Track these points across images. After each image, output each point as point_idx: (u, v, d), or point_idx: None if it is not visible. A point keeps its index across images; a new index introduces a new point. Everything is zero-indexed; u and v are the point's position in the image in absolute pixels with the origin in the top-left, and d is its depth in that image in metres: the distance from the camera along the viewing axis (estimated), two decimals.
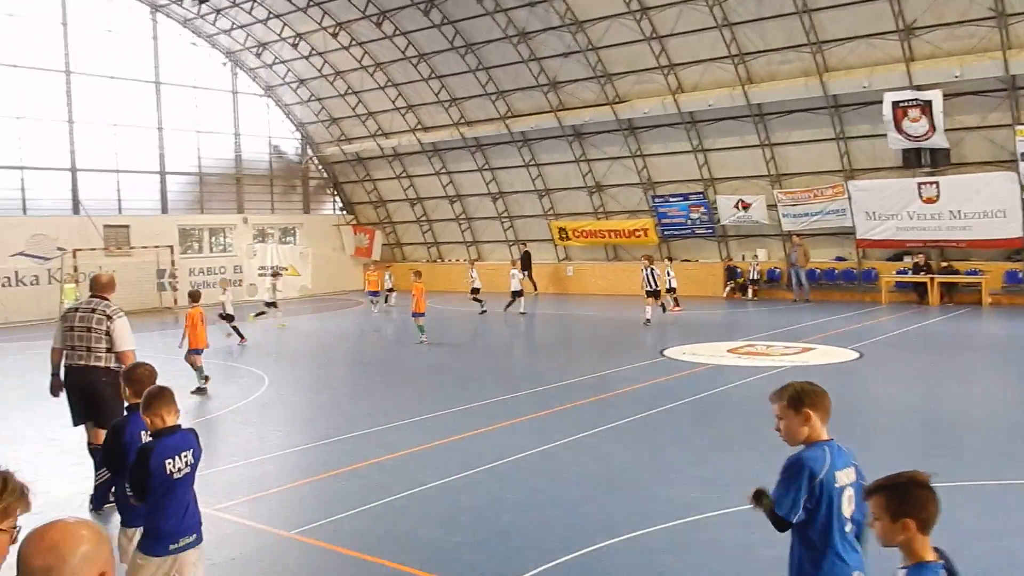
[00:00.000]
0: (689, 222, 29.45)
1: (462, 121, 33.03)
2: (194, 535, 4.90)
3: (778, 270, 28.04)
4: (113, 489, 6.32)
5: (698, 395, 12.60)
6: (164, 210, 33.16)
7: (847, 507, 3.77)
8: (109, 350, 8.09)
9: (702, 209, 28.97)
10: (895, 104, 23.55)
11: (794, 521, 3.73)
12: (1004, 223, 23.29)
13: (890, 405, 12.40)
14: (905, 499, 3.07)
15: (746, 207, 27.79)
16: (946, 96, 22.91)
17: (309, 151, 38.75)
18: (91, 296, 8.40)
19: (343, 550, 6.92)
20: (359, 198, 39.41)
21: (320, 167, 39.41)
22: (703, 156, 28.61)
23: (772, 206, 27.34)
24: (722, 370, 14.70)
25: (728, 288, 28.74)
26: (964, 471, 8.52)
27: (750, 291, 28.20)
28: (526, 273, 32.94)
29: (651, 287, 22.31)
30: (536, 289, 32.39)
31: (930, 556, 3.03)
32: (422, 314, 19.79)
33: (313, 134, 38.17)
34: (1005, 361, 16.44)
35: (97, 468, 7.99)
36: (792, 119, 26.31)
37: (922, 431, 10.78)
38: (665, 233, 30.19)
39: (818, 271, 27.33)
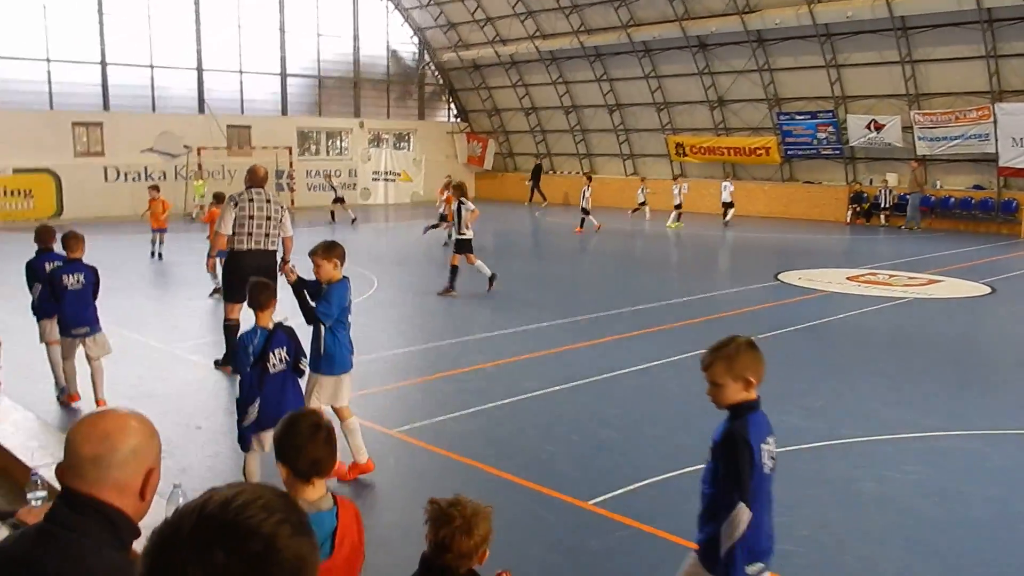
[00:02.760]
0: (815, 142, 28.01)
1: (582, 29, 32.06)
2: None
3: (908, 196, 26.50)
4: None
5: (813, 322, 12.13)
6: (284, 112, 33.81)
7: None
8: (279, 235, 9.22)
9: (830, 128, 27.46)
10: None
11: None
12: None
13: (1022, 345, 11.62)
14: (742, 363, 3.40)
15: (879, 128, 26.18)
16: None
17: (426, 57, 38.56)
18: (250, 187, 9.21)
19: (443, 451, 7.03)
20: (474, 106, 39.15)
21: (436, 73, 39.23)
22: (836, 72, 26.96)
23: (908, 128, 25.65)
24: (839, 298, 14.08)
25: (851, 213, 27.40)
26: None
27: (883, 217, 26.77)
28: (532, 184, 33.24)
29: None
30: (545, 200, 32.19)
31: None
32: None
33: (431, 39, 37.88)
34: None
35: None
36: (937, 33, 24.35)
37: None
38: (788, 152, 28.86)
39: (952, 199, 25.68)
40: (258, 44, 32.60)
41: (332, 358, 6.24)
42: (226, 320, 9.36)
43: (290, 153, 31.83)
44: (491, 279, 14.16)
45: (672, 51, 30.14)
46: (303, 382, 6.07)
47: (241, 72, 32.27)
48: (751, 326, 11.63)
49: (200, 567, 1.23)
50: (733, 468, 3.35)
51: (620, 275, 17.80)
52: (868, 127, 26.40)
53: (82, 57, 28.39)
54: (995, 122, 23.66)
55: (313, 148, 35.12)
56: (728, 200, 26.85)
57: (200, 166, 28.94)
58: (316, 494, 2.90)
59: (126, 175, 28.67)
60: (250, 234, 9.00)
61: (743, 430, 3.38)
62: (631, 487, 6.25)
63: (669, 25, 29.19)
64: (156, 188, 19.35)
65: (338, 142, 36.08)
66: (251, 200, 9.09)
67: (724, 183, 27.41)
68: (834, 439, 7.28)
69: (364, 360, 9.97)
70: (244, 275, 8.70)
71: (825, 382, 9.18)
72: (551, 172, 36.81)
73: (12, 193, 26.59)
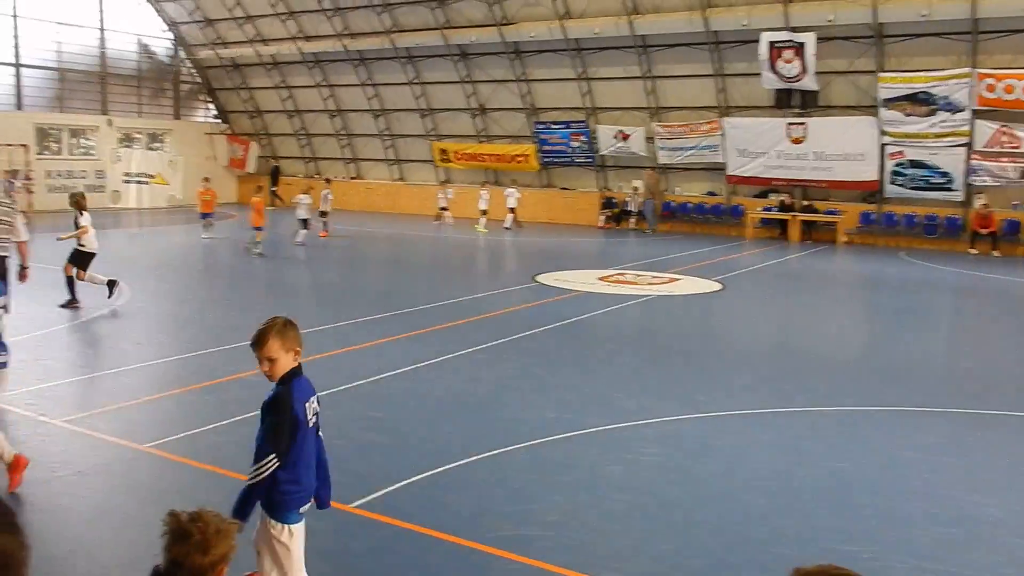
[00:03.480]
0: (570, 150, 29.68)
1: (345, 32, 31.90)
2: None
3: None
4: None
5: (567, 320, 12.92)
6: (19, 106, 30.84)
7: None
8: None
9: (583, 138, 29.22)
10: (772, 44, 24.24)
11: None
12: (862, 166, 24.58)
13: (747, 335, 13.08)
14: (290, 335, 4.04)
15: (626, 138, 28.22)
16: (819, 40, 23.72)
17: (181, 53, 36.64)
18: None
19: (199, 464, 6.85)
20: (234, 106, 37.73)
21: (193, 71, 37.38)
22: (587, 84, 28.73)
23: (650, 139, 27.87)
24: (592, 297, 15.10)
25: (603, 217, 29.30)
26: (809, 397, 9.14)
27: (631, 221, 28.79)
28: (273, 190, 35.02)
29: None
30: (282, 202, 33.06)
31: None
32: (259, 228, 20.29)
33: (186, 35, 36.07)
34: (852, 296, 17.58)
35: None
36: (674, 53, 26.68)
37: (775, 360, 11.44)
38: (546, 160, 30.35)
39: (689, 204, 28.20)
40: None
41: None
42: None
43: (26, 151, 29.07)
44: (110, 285, 13.39)
45: (435, 59, 30.76)
46: None
47: None
48: (510, 326, 12.23)
49: None
50: (272, 425, 3.98)
51: (389, 280, 17.96)
52: (616, 137, 28.38)
53: None
54: (723, 134, 26.28)
55: (55, 147, 32.27)
56: (513, 205, 27.86)
57: None
58: None
59: None
60: None
61: (288, 396, 4.02)
62: (393, 487, 6.43)
63: (431, 33, 29.77)
64: None
65: (83, 140, 33.39)
66: None
67: (508, 190, 28.31)
68: (582, 429, 7.87)
69: (113, 373, 9.44)
70: None
71: (575, 376, 9.86)
72: (317, 177, 36.25)
73: None
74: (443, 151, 32.29)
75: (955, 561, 5.48)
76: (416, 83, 31.86)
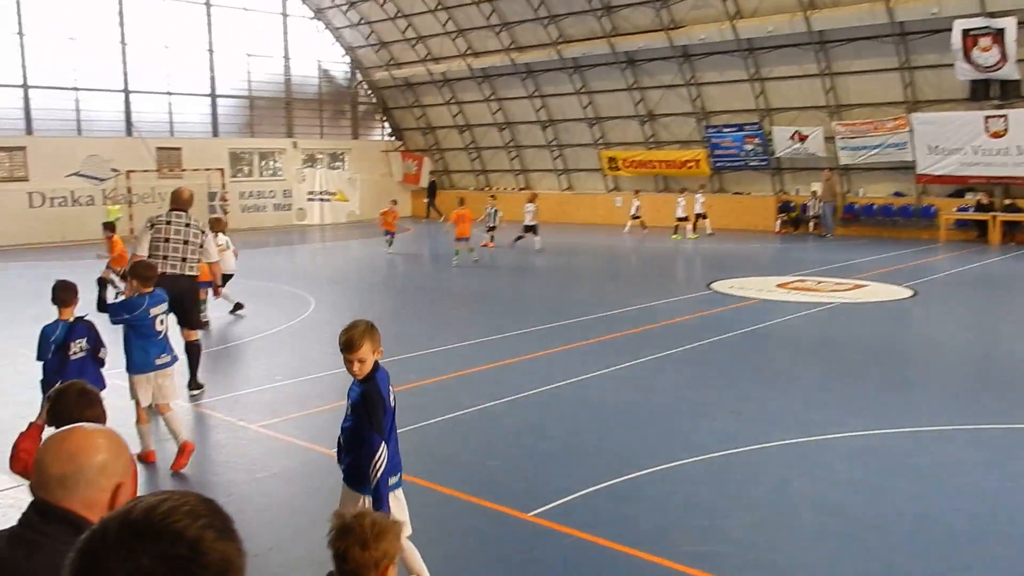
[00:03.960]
0: (743, 153, 28.74)
1: (513, 46, 32.41)
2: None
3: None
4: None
5: (744, 329, 12.43)
6: (215, 133, 33.35)
7: None
8: (198, 260, 9.12)
9: (757, 140, 28.22)
10: (965, 32, 22.45)
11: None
12: None
13: (943, 345, 12.11)
14: (376, 336, 4.47)
15: (803, 139, 27.00)
16: (1021, 24, 21.77)
17: (358, 75, 38.47)
18: (172, 210, 9.14)
19: None
20: (408, 124, 39.17)
21: (369, 92, 39.16)
22: (760, 85, 27.75)
23: (830, 138, 26.53)
24: (770, 305, 14.47)
25: (779, 222, 28.16)
26: (1018, 412, 8.31)
27: (811, 225, 27.46)
28: (429, 201, 36.59)
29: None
30: (441, 216, 33.68)
31: None
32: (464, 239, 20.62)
33: (362, 58, 37.83)
34: None
35: (193, 361, 9.26)
36: (855, 47, 25.27)
37: (974, 372, 10.52)
38: (717, 164, 29.55)
39: (875, 206, 26.60)
40: (186, 65, 32.13)
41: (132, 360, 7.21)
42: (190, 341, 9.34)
43: (222, 175, 31.39)
44: (236, 306, 14.09)
45: (601, 67, 30.67)
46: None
47: (169, 94, 31.75)
48: (684, 336, 11.90)
49: (125, 572, 1.27)
50: (373, 418, 4.41)
51: (556, 289, 17.99)
52: (792, 138, 27.20)
53: (2, 80, 27.60)
54: (911, 131, 24.61)
55: (246, 169, 34.69)
56: (700, 211, 26.92)
57: (130, 189, 28.36)
58: None
59: (51, 200, 27.92)
60: (164, 257, 8.83)
61: (377, 390, 4.47)
62: (571, 496, 6.34)
63: (598, 42, 29.70)
64: (111, 227, 15.95)
65: (271, 162, 35.70)
66: (168, 223, 8.98)
67: (696, 195, 27.14)
68: (766, 442, 7.49)
69: (299, 382, 9.91)
70: None
71: (757, 387, 9.43)
72: (487, 189, 37.00)
73: None
74: (611, 159, 32.12)
75: None
76: (583, 92, 31.90)
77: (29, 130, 28.15)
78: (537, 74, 32.80)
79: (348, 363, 4.44)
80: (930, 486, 6.52)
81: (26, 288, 16.16)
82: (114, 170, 28.81)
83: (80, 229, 26.61)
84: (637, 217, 28.13)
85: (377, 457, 4.38)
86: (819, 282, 16.94)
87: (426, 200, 37.71)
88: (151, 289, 7.29)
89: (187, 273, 9.01)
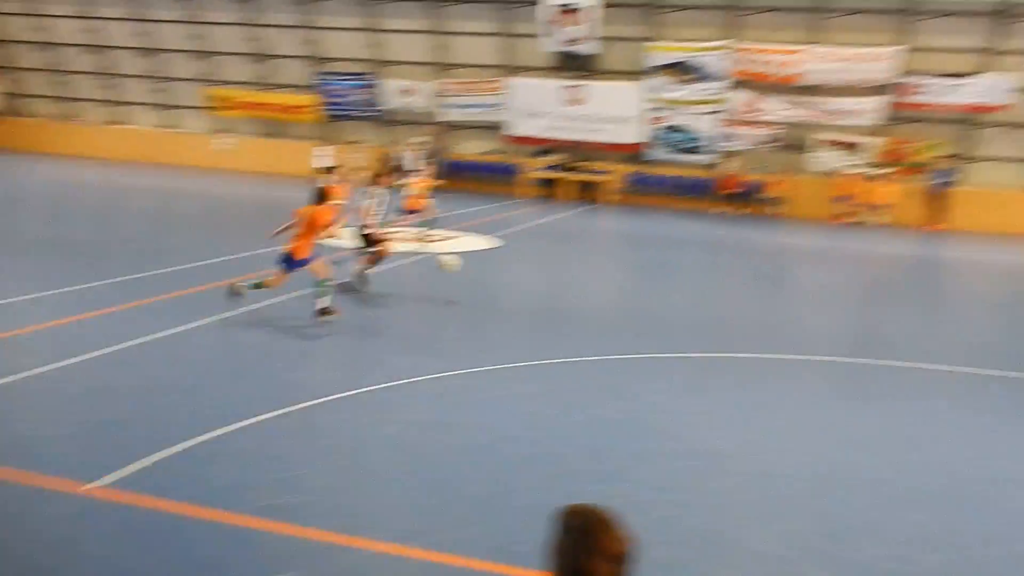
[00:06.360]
0: (355, 103, 28.96)
1: None
2: None
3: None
4: None
5: (341, 281, 12.65)
6: None
7: None
8: None
9: (369, 91, 28.60)
10: (555, 7, 24.76)
11: None
12: (629, 128, 25.83)
13: (518, 291, 13.43)
14: None
15: (413, 93, 27.93)
16: (602, 5, 24.52)
17: None
18: None
19: None
20: None
21: None
22: (375, 36, 28.06)
23: (437, 95, 27.75)
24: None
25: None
26: (572, 347, 9.53)
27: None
28: None
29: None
30: None
31: None
32: None
33: None
34: (615, 252, 18.58)
35: None
36: (464, 8, 26.57)
37: (542, 314, 11.84)
38: (331, 113, 29.46)
39: (471, 163, 28.38)
40: None
41: None
42: None
43: None
44: None
45: None
46: None
47: None
48: (281, 289, 11.80)
49: None
50: None
51: (147, 236, 16.78)
52: (403, 92, 28.00)
53: None
54: (506, 94, 26.66)
55: None
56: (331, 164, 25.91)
57: None
58: None
59: None
60: None
61: None
62: (149, 459, 6.01)
63: None
64: None
65: None
66: None
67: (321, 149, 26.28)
68: (355, 389, 7.75)
69: None
70: None
71: (350, 338, 9.70)
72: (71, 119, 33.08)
73: None
74: (218, 98, 30.44)
75: (691, 490, 6.06)
76: (191, 22, 29.68)
77: None
78: None
79: None
80: (495, 418, 7.27)
81: None
82: None
83: None
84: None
85: None
86: (416, 233, 17.76)
87: None
88: None
89: None
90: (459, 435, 6.88)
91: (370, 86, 28.46)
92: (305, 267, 10.05)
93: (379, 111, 28.82)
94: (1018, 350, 11.03)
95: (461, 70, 27.55)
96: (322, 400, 7.47)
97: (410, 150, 26.04)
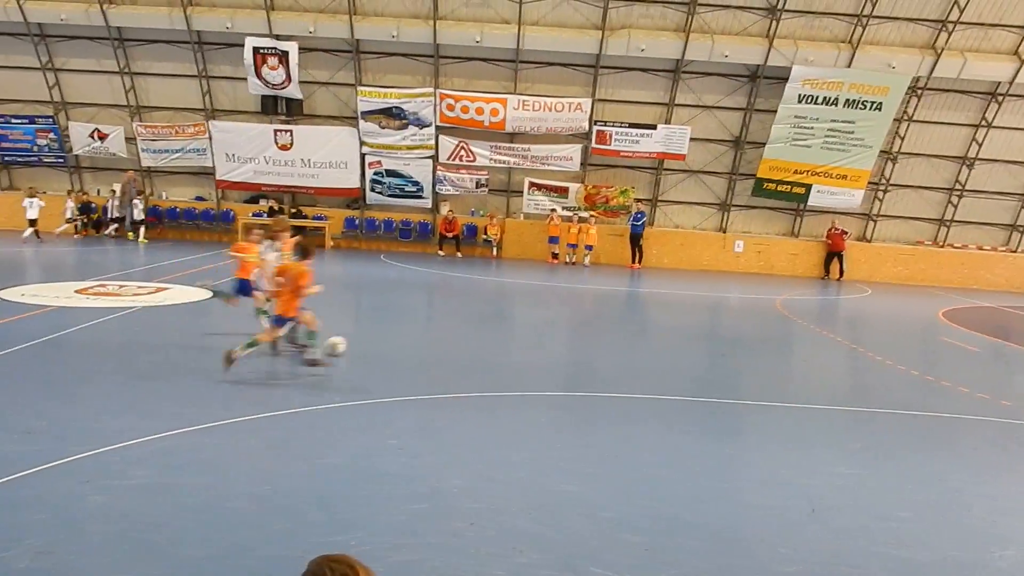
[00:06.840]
0: (36, 148, 26.48)
1: None
2: None
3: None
4: None
5: (35, 340, 11.56)
6: None
7: None
8: None
9: (51, 135, 26.29)
10: (256, 49, 24.41)
11: None
12: (346, 174, 26.09)
13: (239, 341, 12.98)
14: None
15: (103, 137, 26.08)
16: (302, 50, 24.54)
17: None
18: None
19: None
20: None
21: None
22: (54, 76, 25.88)
23: (132, 139, 26.14)
24: (68, 312, 13.71)
25: (79, 223, 26.66)
26: (299, 398, 9.43)
27: (111, 228, 26.52)
28: None
29: None
30: None
31: None
32: None
33: None
34: (342, 296, 18.58)
35: None
36: (155, 49, 25.37)
37: (266, 363, 11.58)
38: (6, 159, 26.68)
39: (178, 209, 27.09)
40: None
41: None
42: None
43: None
44: None
45: None
46: None
47: None
48: None
49: None
50: None
51: None
52: (92, 136, 26.07)
53: None
54: (210, 138, 25.75)
55: None
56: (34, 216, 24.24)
57: None
58: None
59: None
60: None
61: None
62: None
63: None
64: None
65: None
66: None
67: (29, 200, 24.39)
68: (60, 458, 7.15)
69: None
70: None
71: (50, 400, 8.89)
72: None
73: None
74: None
75: (427, 532, 6.18)
76: None
77: None
78: None
79: None
80: (220, 476, 7.02)
81: None
82: None
83: None
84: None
85: None
86: (121, 286, 16.63)
87: None
88: None
89: None
90: (183, 497, 6.56)
91: (53, 130, 26.20)
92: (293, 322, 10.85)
93: (63, 156, 26.59)
94: (707, 378, 12.56)
95: (158, 112, 26.23)
96: (25, 472, 6.81)
97: (111, 197, 24.43)
